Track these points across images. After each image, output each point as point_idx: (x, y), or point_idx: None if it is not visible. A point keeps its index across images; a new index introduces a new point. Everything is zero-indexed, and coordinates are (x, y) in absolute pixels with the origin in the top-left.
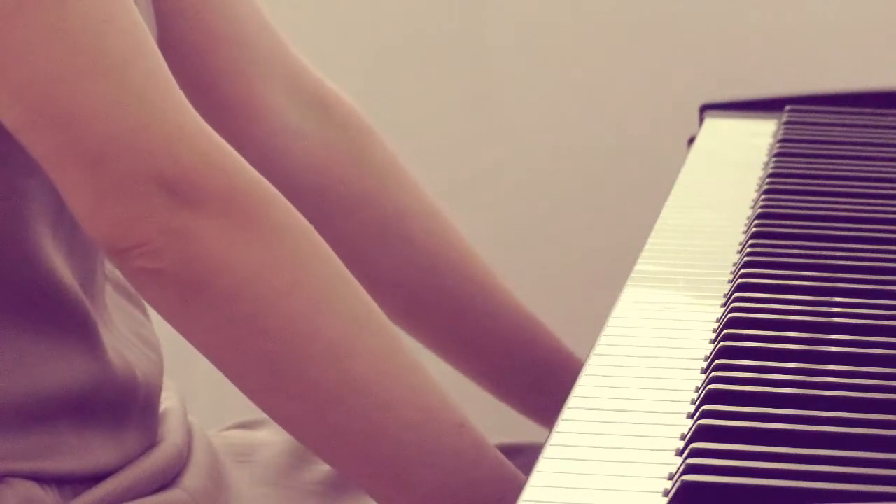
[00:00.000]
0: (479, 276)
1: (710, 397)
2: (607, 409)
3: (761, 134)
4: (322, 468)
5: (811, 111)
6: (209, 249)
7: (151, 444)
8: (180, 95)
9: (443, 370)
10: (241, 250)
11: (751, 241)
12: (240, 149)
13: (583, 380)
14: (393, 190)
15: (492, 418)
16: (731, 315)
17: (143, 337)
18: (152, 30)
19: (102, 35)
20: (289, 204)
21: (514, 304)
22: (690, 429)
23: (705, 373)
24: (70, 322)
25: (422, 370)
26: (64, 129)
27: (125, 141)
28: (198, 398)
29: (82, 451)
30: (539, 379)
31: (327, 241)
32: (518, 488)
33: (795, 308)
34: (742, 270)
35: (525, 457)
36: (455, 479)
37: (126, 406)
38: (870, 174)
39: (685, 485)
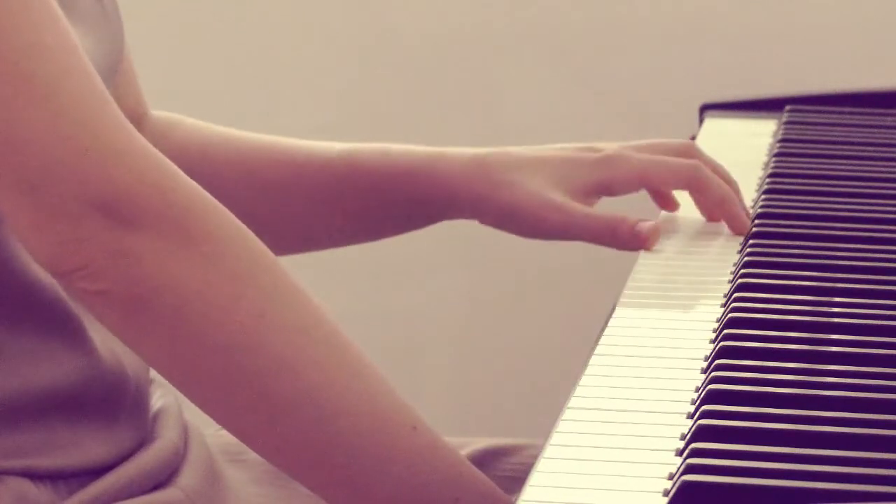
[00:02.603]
0: (300, 156)
1: (710, 397)
2: (607, 409)
3: (761, 134)
4: None
5: (811, 111)
6: (150, 269)
7: (143, 438)
8: (115, 113)
9: (443, 374)
10: (182, 268)
11: (751, 241)
12: None
13: (583, 380)
14: (186, 147)
15: (491, 419)
16: (731, 315)
17: None
18: (120, 40)
19: (31, 58)
20: (229, 215)
21: (344, 153)
22: (690, 429)
23: (705, 373)
24: (51, 320)
25: (374, 376)
26: None
27: (60, 166)
28: None
29: (75, 446)
30: (413, 209)
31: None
32: (475, 488)
33: (795, 308)
34: (742, 270)
35: (521, 457)
36: (410, 482)
37: (117, 400)
38: (870, 174)
39: (685, 485)
